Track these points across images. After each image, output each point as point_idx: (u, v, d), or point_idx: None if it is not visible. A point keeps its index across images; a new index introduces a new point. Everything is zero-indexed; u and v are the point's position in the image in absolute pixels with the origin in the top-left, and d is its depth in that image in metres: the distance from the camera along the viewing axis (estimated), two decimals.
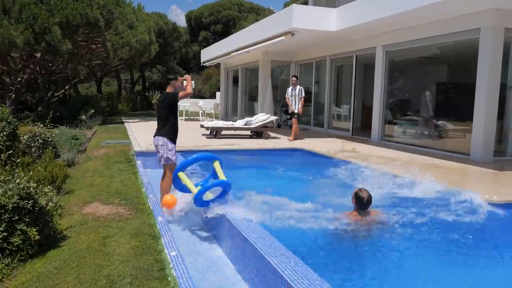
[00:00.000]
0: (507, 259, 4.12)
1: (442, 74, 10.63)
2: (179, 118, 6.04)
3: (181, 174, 5.05)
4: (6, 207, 3.81)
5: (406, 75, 11.79)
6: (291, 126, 15.59)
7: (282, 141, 11.32)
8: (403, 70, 11.83)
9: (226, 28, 37.54)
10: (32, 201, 3.93)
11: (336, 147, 10.18)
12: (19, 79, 15.54)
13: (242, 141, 11.15)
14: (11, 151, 4.88)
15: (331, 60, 14.14)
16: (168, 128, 5.60)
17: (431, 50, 10.30)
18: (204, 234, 4.90)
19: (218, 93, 23.52)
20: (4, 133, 5.04)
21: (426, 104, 10.61)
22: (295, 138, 11.41)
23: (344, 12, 10.90)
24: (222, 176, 5.01)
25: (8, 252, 3.81)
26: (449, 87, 10.22)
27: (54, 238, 4.28)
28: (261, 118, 12.20)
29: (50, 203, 4.33)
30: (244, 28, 17.20)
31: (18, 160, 5.10)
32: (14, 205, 3.82)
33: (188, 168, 5.56)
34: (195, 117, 20.25)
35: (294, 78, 11.72)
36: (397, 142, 11.04)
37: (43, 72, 19.66)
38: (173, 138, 5.66)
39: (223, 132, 12.12)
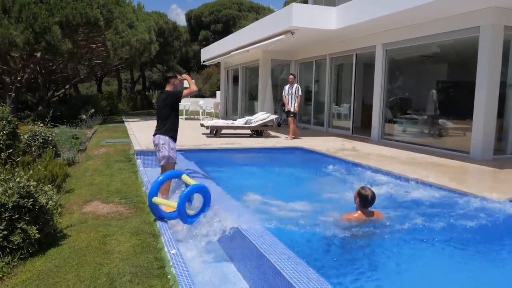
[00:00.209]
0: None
1: (442, 72, 10.63)
2: (179, 117, 6.03)
3: (156, 199, 4.82)
4: (6, 206, 3.82)
5: (406, 73, 11.79)
6: None
7: (282, 140, 11.33)
8: (403, 69, 11.83)
9: (226, 27, 37.55)
10: (32, 199, 3.93)
11: (336, 146, 10.18)
12: (18, 78, 15.54)
13: (242, 140, 11.16)
14: (11, 150, 4.88)
15: (331, 59, 14.14)
16: (170, 127, 5.60)
17: (431, 48, 10.30)
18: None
19: (218, 92, 23.53)
20: (4, 132, 5.05)
21: (426, 103, 10.61)
22: (294, 137, 11.40)
23: (343, 10, 10.90)
24: (192, 183, 4.83)
25: (8, 251, 3.82)
26: (449, 85, 10.22)
27: (54, 236, 4.28)
28: (261, 117, 12.21)
29: (50, 202, 4.34)
30: (244, 27, 17.20)
31: (18, 159, 5.10)
32: (14, 203, 3.83)
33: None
34: (195, 116, 20.26)
35: (291, 76, 11.68)
36: (397, 141, 11.05)
37: (43, 71, 19.66)
38: (174, 136, 5.67)
39: (223, 131, 12.13)
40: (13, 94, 15.54)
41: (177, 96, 5.56)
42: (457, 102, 9.78)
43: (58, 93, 22.73)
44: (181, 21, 71.60)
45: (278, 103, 17.05)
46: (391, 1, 8.99)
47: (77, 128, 14.36)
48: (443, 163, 7.94)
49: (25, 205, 3.87)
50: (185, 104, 20.12)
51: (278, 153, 9.80)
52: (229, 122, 12.62)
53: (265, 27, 13.15)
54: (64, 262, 3.70)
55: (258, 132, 12.43)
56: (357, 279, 3.51)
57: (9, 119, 5.90)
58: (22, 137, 7.23)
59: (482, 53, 8.37)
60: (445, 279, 3.68)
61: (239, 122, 12.45)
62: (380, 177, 6.93)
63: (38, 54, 15.43)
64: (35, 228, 3.89)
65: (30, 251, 3.89)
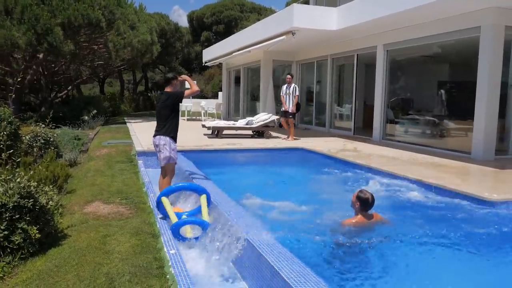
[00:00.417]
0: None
1: (443, 72, 10.62)
2: (181, 118, 6.03)
3: (164, 200, 4.82)
4: (7, 206, 3.84)
5: (407, 74, 11.78)
6: (294, 126, 15.70)
7: (283, 141, 11.33)
8: (404, 69, 11.82)
9: (228, 28, 37.58)
10: (32, 200, 3.96)
11: (338, 146, 10.18)
12: (19, 79, 15.61)
13: (243, 141, 11.17)
14: (11, 151, 4.91)
15: (332, 60, 14.15)
16: (170, 128, 5.58)
17: (432, 48, 10.29)
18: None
19: (220, 93, 23.57)
20: (5, 132, 5.07)
21: (433, 103, 10.61)
22: (295, 138, 11.39)
23: (344, 11, 10.91)
24: (205, 214, 4.66)
25: (9, 251, 3.85)
26: (450, 85, 10.21)
27: (55, 236, 4.31)
28: (262, 117, 12.22)
29: (50, 202, 4.36)
30: (246, 28, 17.23)
31: (18, 160, 5.13)
32: (15, 204, 3.86)
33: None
34: (197, 117, 20.30)
35: (289, 76, 11.64)
36: (399, 141, 11.04)
37: (46, 73, 19.73)
38: (174, 137, 5.66)
39: (225, 132, 12.14)
40: (13, 95, 15.60)
41: (178, 97, 5.56)
42: (458, 102, 9.77)
43: (60, 94, 22.82)
44: (183, 22, 71.79)
45: (280, 104, 17.06)
46: (391, 2, 9.00)
47: (80, 129, 14.41)
48: (444, 164, 7.93)
49: (26, 205, 3.90)
50: (187, 105, 20.16)
51: (279, 154, 9.81)
52: (230, 123, 12.64)
53: (266, 28, 13.17)
54: (64, 262, 3.73)
55: (259, 132, 12.45)
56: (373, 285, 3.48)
57: (10, 120, 5.93)
58: (24, 138, 7.27)
59: (483, 53, 8.36)
60: (449, 280, 3.67)
61: (241, 123, 12.46)
62: (380, 178, 6.93)
63: (41, 56, 15.50)
64: (36, 228, 3.92)
65: (31, 251, 3.92)
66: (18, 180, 4.00)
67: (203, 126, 12.38)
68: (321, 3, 14.85)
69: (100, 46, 16.78)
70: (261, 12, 39.41)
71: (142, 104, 29.83)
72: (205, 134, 12.50)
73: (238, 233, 3.87)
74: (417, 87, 11.41)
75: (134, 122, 17.01)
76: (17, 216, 3.87)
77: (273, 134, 12.82)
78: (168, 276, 3.41)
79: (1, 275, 3.59)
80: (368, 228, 4.60)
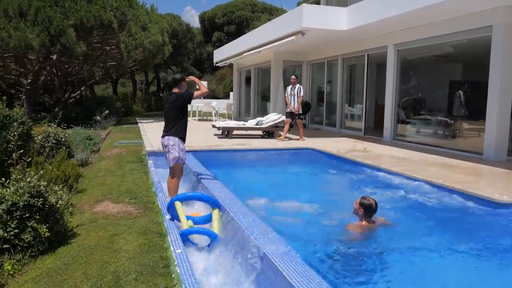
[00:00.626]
0: None
1: (455, 72, 10.52)
2: (192, 118, 6.08)
3: (178, 204, 4.82)
4: (18, 205, 3.93)
5: (418, 73, 11.69)
6: (303, 126, 15.67)
7: (293, 141, 11.33)
8: (416, 69, 11.73)
9: (239, 28, 37.64)
10: (42, 199, 4.04)
11: (347, 147, 10.15)
12: (29, 81, 15.87)
13: (253, 141, 11.20)
14: (22, 151, 5.01)
15: (342, 60, 14.10)
16: (179, 128, 5.63)
17: (443, 48, 10.20)
18: None
19: (231, 93, 23.65)
20: (16, 133, 5.18)
21: (440, 103, 10.51)
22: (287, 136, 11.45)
23: (354, 11, 10.86)
24: (216, 227, 4.64)
25: (19, 248, 3.93)
26: (462, 85, 10.11)
27: (65, 235, 4.39)
28: (272, 118, 12.24)
29: (60, 201, 4.44)
30: (256, 28, 17.26)
31: (29, 159, 5.23)
32: (25, 202, 3.94)
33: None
34: (208, 117, 20.38)
35: (293, 77, 11.64)
36: (410, 142, 10.95)
37: (59, 73, 20.04)
38: (183, 137, 5.71)
39: (235, 132, 12.19)
40: (24, 96, 15.87)
41: (187, 98, 5.60)
42: (470, 102, 9.67)
43: (74, 95, 23.14)
44: (195, 22, 72.14)
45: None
46: (401, 1, 8.93)
47: (92, 129, 14.59)
48: (454, 164, 7.85)
49: (36, 204, 3.98)
50: (198, 105, 20.27)
51: (288, 154, 9.81)
52: (240, 123, 12.68)
53: (276, 28, 13.18)
54: (73, 260, 3.79)
55: (269, 133, 12.47)
56: None
57: (22, 120, 6.05)
58: (36, 138, 7.40)
59: (494, 53, 8.26)
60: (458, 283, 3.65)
61: (250, 123, 12.49)
62: (389, 179, 6.90)
63: (54, 57, 15.74)
64: (45, 226, 3.99)
65: (41, 249, 4.00)
66: (29, 179, 4.08)
67: (213, 126, 12.44)
68: (331, 3, 14.81)
69: (112, 47, 16.96)
70: (272, 12, 39.40)
71: (154, 105, 30.07)
72: (215, 135, 12.56)
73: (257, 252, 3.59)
74: (428, 87, 11.32)
75: (145, 122, 17.15)
76: (27, 215, 3.96)
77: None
78: (173, 275, 3.45)
79: (12, 272, 3.67)
80: (374, 232, 4.59)
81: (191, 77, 5.86)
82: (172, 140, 5.56)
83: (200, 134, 12.53)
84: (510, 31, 8.10)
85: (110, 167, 8.03)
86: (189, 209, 5.50)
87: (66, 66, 19.48)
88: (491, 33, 8.30)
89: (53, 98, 20.78)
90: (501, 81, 8.19)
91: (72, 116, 16.27)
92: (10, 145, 5.14)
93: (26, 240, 3.91)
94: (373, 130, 13.44)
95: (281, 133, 11.77)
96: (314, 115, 16.49)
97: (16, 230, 3.91)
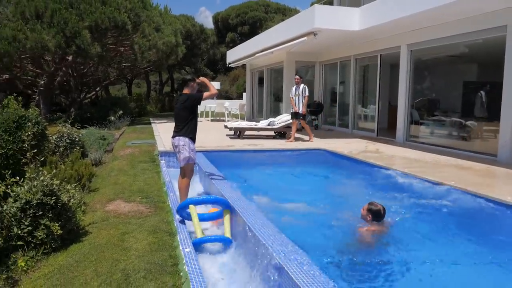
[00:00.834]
0: None
1: (469, 73, 10.39)
2: (205, 119, 6.12)
3: (192, 208, 4.74)
4: (31, 203, 4.03)
5: (432, 74, 11.57)
6: (316, 127, 15.66)
7: (304, 142, 11.32)
8: (429, 69, 11.62)
9: (253, 29, 37.73)
10: (55, 197, 4.13)
11: (359, 148, 10.10)
12: (42, 82, 16.15)
13: (265, 142, 11.22)
14: (35, 150, 5.13)
15: (355, 60, 14.03)
16: (190, 129, 5.67)
17: (457, 48, 10.08)
18: None
19: (245, 94, 23.72)
20: (29, 133, 5.30)
21: (454, 104, 10.39)
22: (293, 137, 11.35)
23: (366, 11, 10.81)
24: (228, 232, 4.61)
25: (33, 246, 4.03)
26: (477, 86, 9.98)
27: (77, 233, 4.48)
28: (284, 118, 12.23)
29: (72, 200, 4.53)
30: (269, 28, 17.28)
31: (42, 159, 5.34)
32: (38, 201, 4.03)
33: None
34: (221, 118, 20.48)
35: (297, 77, 11.43)
36: (423, 143, 10.85)
37: (75, 74, 20.35)
38: (193, 138, 5.76)
39: (247, 133, 12.23)
40: (37, 97, 16.16)
41: (197, 99, 5.65)
42: (484, 103, 9.53)
43: (89, 95, 23.47)
44: (210, 23, 72.52)
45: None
46: (413, 1, 8.85)
47: (106, 129, 14.77)
48: (467, 166, 7.76)
49: (48, 202, 4.07)
50: (211, 105, 20.39)
51: (299, 155, 9.79)
52: (252, 124, 12.71)
53: (288, 29, 13.19)
54: (84, 257, 3.87)
55: (281, 133, 12.47)
56: None
57: (37, 120, 6.18)
58: (51, 138, 7.54)
59: (509, 53, 8.14)
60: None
61: (262, 123, 12.51)
62: (400, 180, 6.85)
63: (70, 58, 16.01)
64: (58, 224, 4.08)
65: (53, 246, 4.09)
66: (42, 178, 4.17)
67: (225, 127, 12.50)
68: (344, 3, 14.76)
69: (126, 48, 17.17)
70: (286, 13, 39.39)
71: (168, 105, 30.28)
72: (227, 135, 12.62)
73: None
74: (442, 88, 11.19)
75: (158, 123, 17.31)
76: (40, 213, 4.05)
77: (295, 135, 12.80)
78: (181, 274, 3.49)
79: (25, 268, 3.76)
80: (387, 235, 4.56)
81: (202, 78, 5.91)
82: (183, 141, 5.61)
83: (213, 135, 12.60)
84: None
85: (123, 166, 8.14)
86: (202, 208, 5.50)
87: (82, 67, 19.78)
88: (505, 33, 8.18)
89: (69, 98, 21.12)
90: None
91: (87, 116, 16.52)
92: (25, 145, 5.27)
93: (39, 238, 4.00)
94: (387, 131, 13.33)
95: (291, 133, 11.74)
96: (326, 116, 16.44)
97: (30, 228, 4.00)
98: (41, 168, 4.50)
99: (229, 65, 23.55)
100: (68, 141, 8.12)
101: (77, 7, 14.56)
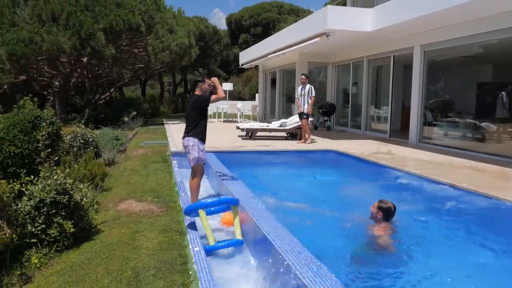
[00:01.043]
0: None
1: (484, 73, 10.25)
2: (217, 119, 6.17)
3: (202, 213, 4.53)
4: (45, 201, 4.11)
5: (446, 75, 11.45)
6: (328, 128, 15.60)
7: (316, 143, 11.30)
8: (443, 70, 11.49)
9: (266, 30, 37.81)
10: (68, 196, 4.21)
11: (371, 149, 10.05)
12: (56, 83, 16.40)
13: (276, 143, 11.24)
14: (49, 150, 5.23)
15: (368, 61, 13.96)
16: (199, 130, 5.73)
17: (472, 49, 9.95)
18: None
19: (257, 95, 23.77)
20: (44, 133, 5.41)
21: (469, 105, 10.27)
22: (312, 141, 11.18)
23: (379, 12, 10.75)
24: (239, 234, 4.53)
25: (46, 243, 4.11)
26: (492, 87, 9.84)
27: (89, 231, 4.56)
28: (296, 119, 12.22)
29: (84, 199, 4.61)
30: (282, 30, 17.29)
31: (56, 158, 5.45)
32: (52, 199, 4.12)
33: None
34: (234, 119, 20.55)
35: (303, 77, 11.17)
36: (436, 144, 10.74)
37: (90, 75, 20.65)
38: (203, 138, 5.81)
39: (259, 134, 12.25)
40: (51, 98, 16.42)
41: (205, 101, 5.71)
42: (499, 104, 9.39)
43: (104, 96, 23.79)
44: (223, 25, 72.83)
45: (316, 106, 16.98)
46: (427, 2, 8.78)
47: (120, 129, 14.95)
48: (481, 168, 7.66)
49: (62, 201, 4.16)
50: (224, 107, 20.48)
51: (310, 156, 9.77)
52: (264, 125, 12.74)
53: (301, 30, 13.17)
54: (96, 255, 3.94)
55: (293, 134, 12.47)
56: None
57: (51, 120, 6.30)
58: (65, 138, 7.67)
59: None
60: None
61: (274, 124, 12.53)
62: (412, 181, 6.81)
63: (85, 59, 16.25)
64: (70, 223, 4.16)
65: (66, 244, 4.17)
66: (55, 177, 4.26)
67: (237, 128, 12.55)
68: (357, 3, 14.69)
69: (140, 49, 17.37)
70: (299, 14, 39.38)
71: (181, 106, 30.48)
72: (239, 136, 12.66)
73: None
74: (456, 89, 11.07)
75: (171, 124, 17.45)
76: (53, 211, 4.14)
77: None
78: (190, 272, 3.53)
79: (38, 265, 3.84)
80: (398, 235, 4.53)
81: (213, 79, 5.95)
82: (192, 141, 5.66)
83: (225, 135, 12.66)
84: None
85: (135, 166, 8.24)
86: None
87: (96, 68, 20.05)
88: None
89: (84, 99, 21.43)
90: None
91: (101, 117, 16.75)
92: (39, 144, 5.38)
93: (53, 235, 4.08)
94: (399, 132, 13.23)
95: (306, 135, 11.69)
96: (339, 117, 16.38)
97: (43, 226, 4.09)
98: (55, 168, 4.59)
99: (242, 66, 23.63)
100: (82, 141, 8.25)
101: (92, 9, 14.79)
